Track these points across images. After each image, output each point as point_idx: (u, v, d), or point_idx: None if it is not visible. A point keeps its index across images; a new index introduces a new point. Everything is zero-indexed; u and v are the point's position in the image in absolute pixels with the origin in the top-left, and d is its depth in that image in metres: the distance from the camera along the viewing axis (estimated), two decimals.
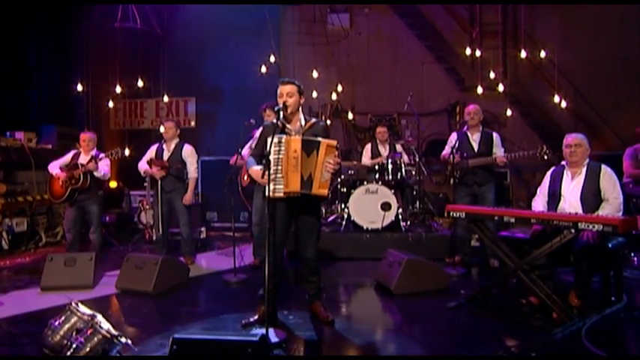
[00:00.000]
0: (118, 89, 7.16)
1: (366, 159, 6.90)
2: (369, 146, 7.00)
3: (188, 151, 5.81)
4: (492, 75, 7.11)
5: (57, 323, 3.04)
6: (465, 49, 7.96)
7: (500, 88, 6.29)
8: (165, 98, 7.73)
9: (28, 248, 6.70)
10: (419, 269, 4.47)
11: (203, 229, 6.98)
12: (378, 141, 6.96)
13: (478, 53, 7.30)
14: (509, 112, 7.07)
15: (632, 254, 5.36)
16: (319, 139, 3.49)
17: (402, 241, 5.79)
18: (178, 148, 5.81)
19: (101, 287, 4.78)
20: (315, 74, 7.31)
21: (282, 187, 3.51)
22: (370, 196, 6.00)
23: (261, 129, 5.57)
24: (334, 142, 3.51)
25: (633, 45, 8.03)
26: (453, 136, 5.47)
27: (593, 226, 3.36)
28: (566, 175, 4.08)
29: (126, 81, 7.64)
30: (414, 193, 6.78)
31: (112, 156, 5.55)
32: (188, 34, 8.74)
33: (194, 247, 5.97)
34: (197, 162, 5.91)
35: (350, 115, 8.11)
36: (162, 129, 8.03)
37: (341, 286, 4.96)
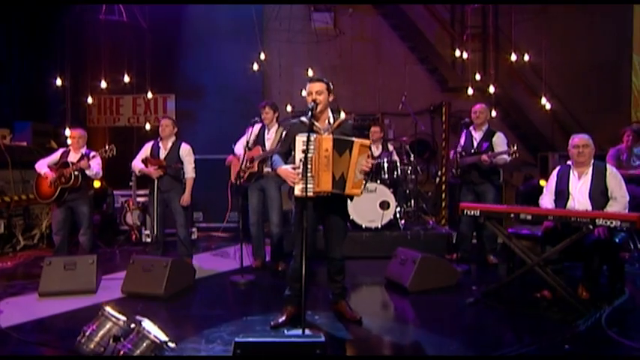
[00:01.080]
0: (103, 84, 6.87)
1: None
2: None
3: (186, 150, 5.65)
4: (478, 77, 7.34)
5: (91, 330, 2.90)
6: (449, 50, 8.19)
7: (491, 89, 6.51)
8: (150, 95, 7.47)
9: (4, 252, 6.30)
10: (432, 266, 4.56)
11: (194, 229, 6.80)
12: (370, 140, 7.01)
13: (465, 55, 7.52)
14: (494, 114, 7.33)
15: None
16: (353, 138, 3.49)
17: (401, 240, 5.86)
18: (176, 147, 5.62)
19: (103, 292, 4.56)
20: (310, 72, 7.29)
21: (312, 186, 3.49)
22: (369, 195, 6.04)
23: (255, 125, 5.55)
24: (368, 142, 3.52)
25: (601, 51, 8.52)
26: (462, 136, 5.61)
27: (611, 222, 3.54)
28: (573, 174, 4.26)
29: (108, 76, 7.33)
30: (407, 192, 6.88)
31: (106, 154, 5.32)
32: (169, 29, 8.48)
33: (191, 248, 5.81)
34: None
35: (342, 115, 8.12)
36: (148, 126, 7.77)
37: (352, 285, 4.96)
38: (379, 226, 6.03)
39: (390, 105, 8.66)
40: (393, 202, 6.04)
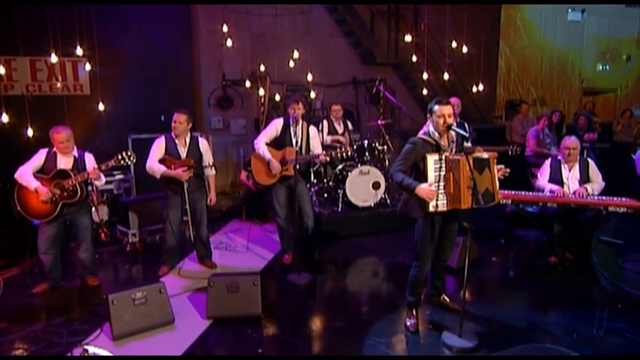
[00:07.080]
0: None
1: (325, 136, 7.06)
2: (325, 123, 7.17)
3: (205, 145, 5.17)
4: (415, 58, 8.05)
5: None
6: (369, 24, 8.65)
7: (446, 76, 7.26)
8: (83, 68, 6.11)
9: None
10: (467, 245, 5.38)
11: None
12: (333, 119, 7.25)
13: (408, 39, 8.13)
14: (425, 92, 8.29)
15: None
16: (486, 155, 3.88)
17: (393, 216, 6.40)
18: (194, 143, 5.08)
19: (181, 320, 4.13)
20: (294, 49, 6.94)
21: (444, 202, 3.82)
22: (363, 177, 6.45)
23: (277, 119, 5.34)
24: (496, 154, 3.95)
25: (482, 36, 10.08)
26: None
27: (619, 209, 4.86)
28: (564, 167, 5.44)
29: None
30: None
31: (124, 162, 4.51)
32: None
33: (210, 249, 5.44)
34: None
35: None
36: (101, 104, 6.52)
37: (391, 267, 5.48)
38: (372, 204, 6.54)
39: (318, 75, 8.85)
40: (383, 182, 6.57)
